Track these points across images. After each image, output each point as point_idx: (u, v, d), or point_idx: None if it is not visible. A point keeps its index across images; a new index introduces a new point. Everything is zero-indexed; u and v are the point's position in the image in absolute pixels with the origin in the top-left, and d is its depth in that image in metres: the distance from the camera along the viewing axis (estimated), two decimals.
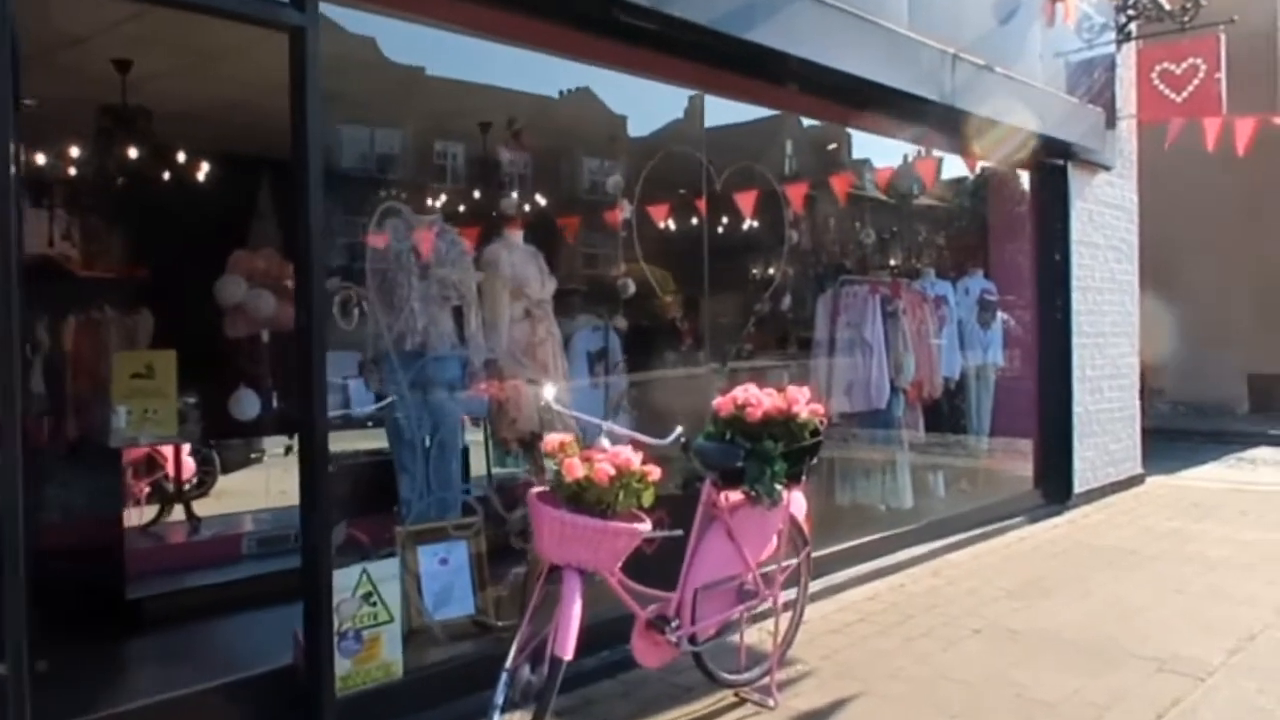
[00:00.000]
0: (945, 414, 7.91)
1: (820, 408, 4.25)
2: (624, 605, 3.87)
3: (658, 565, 4.02)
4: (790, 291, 6.98)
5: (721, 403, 4.26)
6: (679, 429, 3.91)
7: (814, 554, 5.83)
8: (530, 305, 4.87)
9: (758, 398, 4.19)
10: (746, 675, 4.38)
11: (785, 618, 4.61)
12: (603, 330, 7.13)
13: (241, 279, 5.85)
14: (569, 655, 3.28)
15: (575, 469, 3.38)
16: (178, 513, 6.75)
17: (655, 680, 4.38)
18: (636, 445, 3.66)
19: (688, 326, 6.43)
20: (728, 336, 6.57)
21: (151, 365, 5.65)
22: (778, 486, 4.11)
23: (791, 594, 4.63)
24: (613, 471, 3.40)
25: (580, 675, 4.46)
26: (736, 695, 4.36)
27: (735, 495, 4.15)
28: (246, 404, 5.96)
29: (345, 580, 3.81)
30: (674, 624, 3.93)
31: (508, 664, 3.49)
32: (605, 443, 3.62)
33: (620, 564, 3.53)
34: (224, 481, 7.66)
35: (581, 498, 3.43)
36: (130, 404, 5.53)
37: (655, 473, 3.53)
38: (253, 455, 8.09)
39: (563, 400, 4.78)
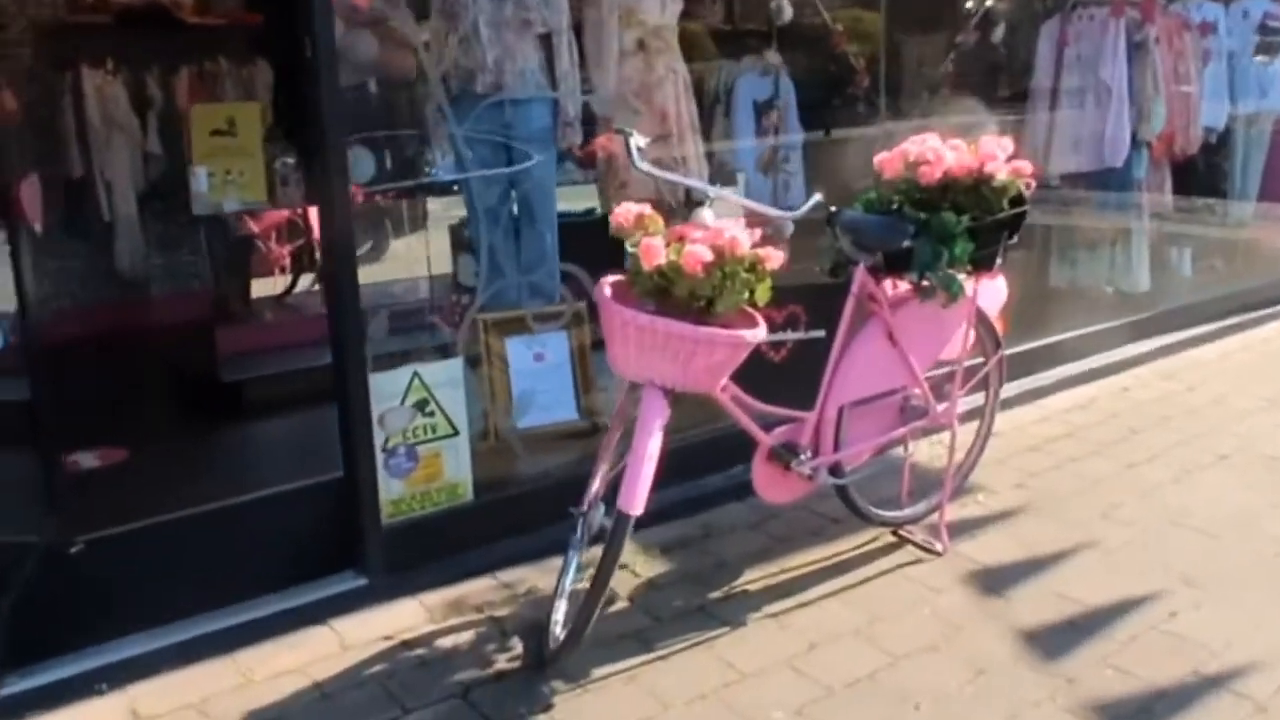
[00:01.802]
0: (1200, 174, 6.29)
1: (1026, 166, 3.04)
2: (741, 428, 2.96)
3: (793, 376, 3.06)
4: (1004, 20, 5.48)
5: (887, 160, 3.12)
6: (816, 196, 2.83)
7: (1015, 349, 4.75)
8: (645, 34, 3.75)
9: (937, 152, 3.02)
10: (909, 510, 3.44)
11: (965, 437, 3.60)
12: (773, 76, 5.97)
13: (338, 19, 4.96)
14: (635, 510, 2.43)
15: (655, 253, 2.41)
16: None
17: (795, 507, 3.49)
18: (754, 219, 2.63)
19: (863, 66, 5.11)
20: (919, 82, 5.23)
21: (234, 120, 4.94)
22: (959, 275, 3.00)
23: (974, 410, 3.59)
24: (709, 257, 2.41)
25: (703, 497, 3.66)
26: (896, 535, 3.44)
27: (899, 285, 3.09)
28: (359, 164, 5.20)
29: (390, 385, 3.05)
30: (804, 454, 2.99)
31: (580, 504, 2.68)
32: (707, 216, 2.61)
33: (724, 380, 2.59)
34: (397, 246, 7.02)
35: (667, 293, 2.47)
36: (211, 165, 4.88)
37: (775, 258, 2.51)
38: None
39: (684, 159, 3.75)
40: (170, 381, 5.25)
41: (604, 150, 3.80)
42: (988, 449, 3.83)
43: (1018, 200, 3.07)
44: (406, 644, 2.81)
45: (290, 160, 5.25)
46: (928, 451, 3.85)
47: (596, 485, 2.65)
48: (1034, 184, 3.09)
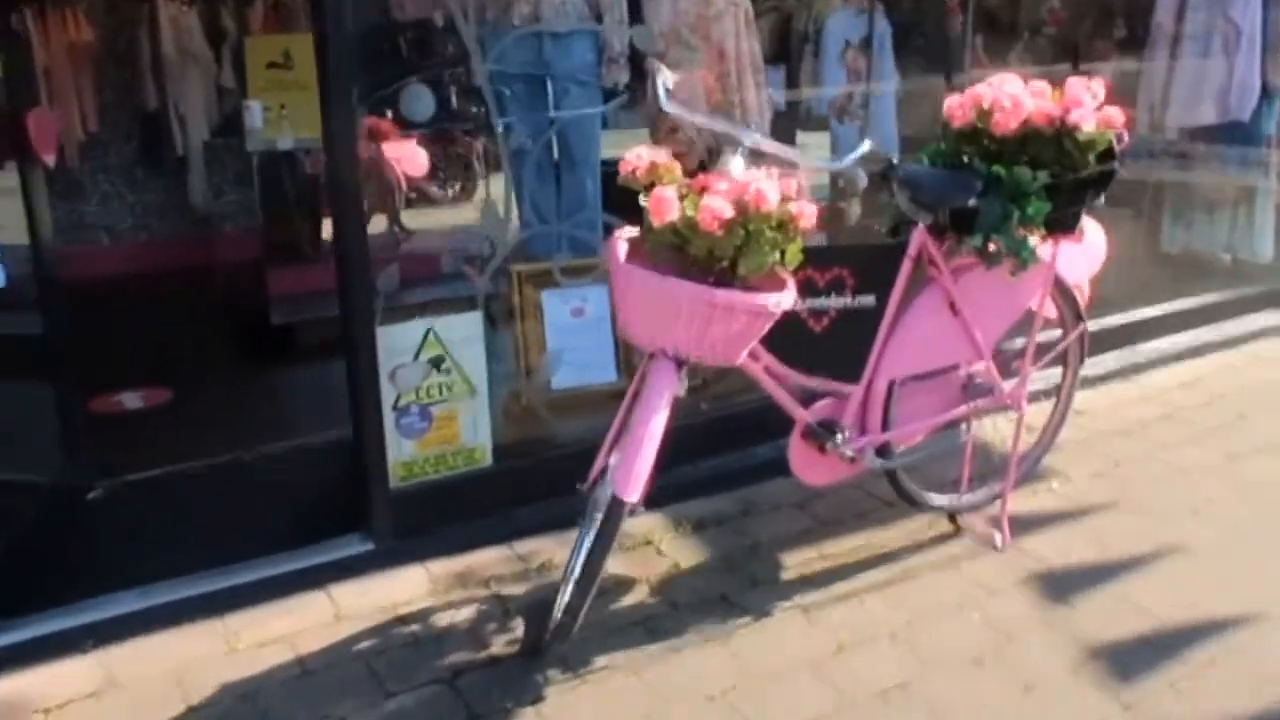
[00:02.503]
0: None
1: (1118, 115, 2.64)
2: (775, 401, 2.68)
3: (842, 346, 2.76)
4: None
5: (956, 106, 2.76)
6: (866, 144, 2.50)
7: (1115, 319, 4.35)
8: None
9: (1014, 98, 2.65)
10: (969, 497, 3.12)
11: (1040, 418, 3.26)
12: (867, 15, 5.55)
13: None
14: (630, 495, 2.17)
15: (667, 206, 2.13)
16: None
17: (846, 486, 3.19)
18: (788, 169, 2.32)
19: (956, 2, 4.65)
20: (1020, 20, 4.75)
21: (289, 52, 4.78)
22: (1030, 240, 2.64)
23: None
24: (729, 212, 2.12)
25: (747, 470, 3.40)
26: (953, 524, 3.13)
27: (963, 248, 2.74)
28: (418, 102, 5.00)
29: (402, 339, 2.85)
30: (844, 434, 2.70)
31: (586, 480, 2.44)
32: (735, 165, 2.31)
33: (746, 351, 2.30)
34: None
35: (684, 252, 2.20)
36: (266, 99, 4.74)
37: (807, 214, 2.21)
38: None
39: (743, 103, 3.44)
40: (224, 321, 5.21)
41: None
42: (1069, 431, 3.48)
43: (1107, 155, 2.68)
44: (403, 618, 2.63)
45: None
46: (1000, 430, 3.51)
47: (605, 458, 2.40)
48: (1127, 136, 2.68)
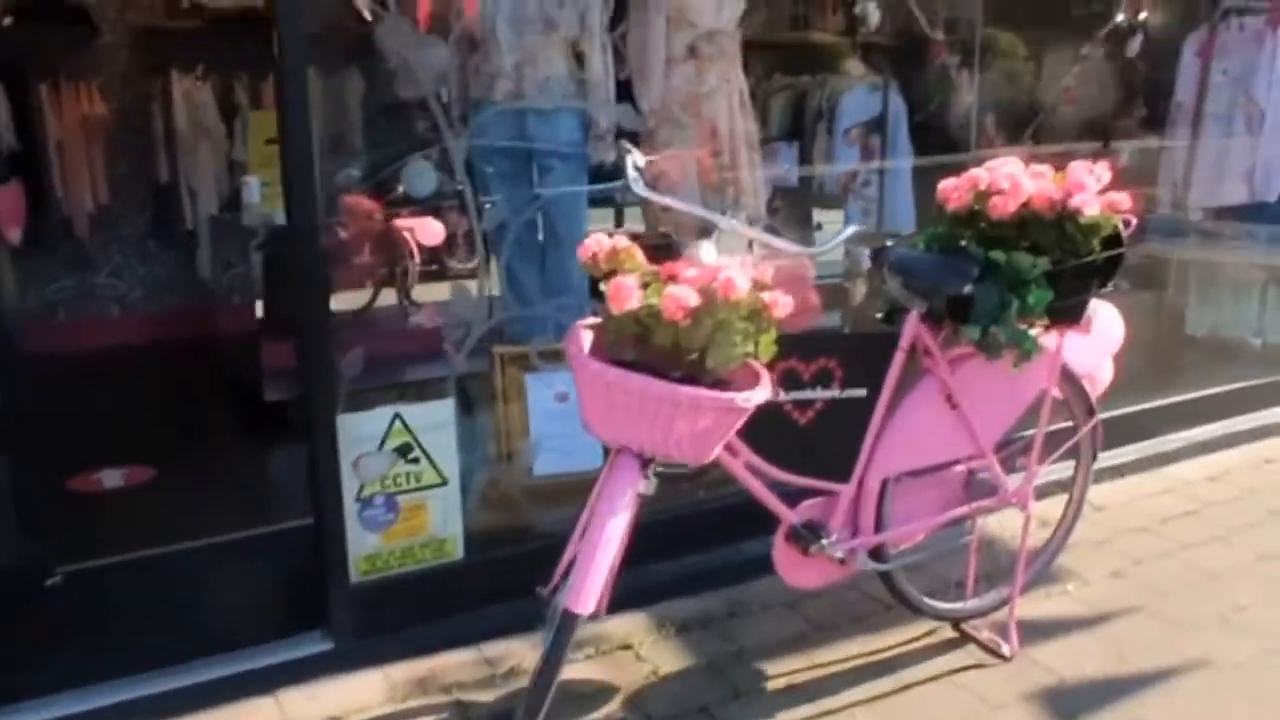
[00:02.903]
0: None
1: (1124, 200, 2.49)
2: (757, 500, 2.51)
3: (830, 441, 2.58)
4: (1141, 30, 4.82)
5: (952, 188, 2.62)
6: (852, 227, 2.35)
7: (1137, 406, 4.14)
8: (697, 38, 3.31)
9: (1013, 179, 2.50)
10: (975, 603, 2.91)
11: (1052, 515, 3.07)
12: (881, 92, 5.48)
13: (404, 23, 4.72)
14: (582, 609, 1.99)
15: (626, 294, 1.99)
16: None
17: (841, 587, 2.98)
18: (766, 257, 2.18)
19: (965, 80, 4.53)
20: (1033, 99, 4.63)
21: None
22: (1030, 332, 2.48)
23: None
24: (694, 301, 1.97)
25: (737, 566, 3.20)
26: (958, 630, 2.91)
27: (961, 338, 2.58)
28: (419, 178, 4.94)
29: (366, 426, 2.71)
30: (831, 536, 2.51)
31: (547, 584, 2.27)
32: (706, 252, 2.17)
33: (717, 449, 2.14)
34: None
35: (647, 342, 2.05)
36: (264, 174, 4.70)
37: (781, 304, 2.06)
38: None
39: (736, 182, 3.32)
40: (220, 396, 5.11)
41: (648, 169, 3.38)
42: (1086, 528, 3.27)
43: (1113, 241, 2.52)
44: None
45: (356, 172, 5.04)
46: (1012, 527, 3.30)
47: (568, 560, 2.23)
48: (1134, 221, 2.52)
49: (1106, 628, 2.95)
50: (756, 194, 3.45)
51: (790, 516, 2.53)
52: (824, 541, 2.47)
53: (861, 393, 2.54)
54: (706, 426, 2.03)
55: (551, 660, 1.99)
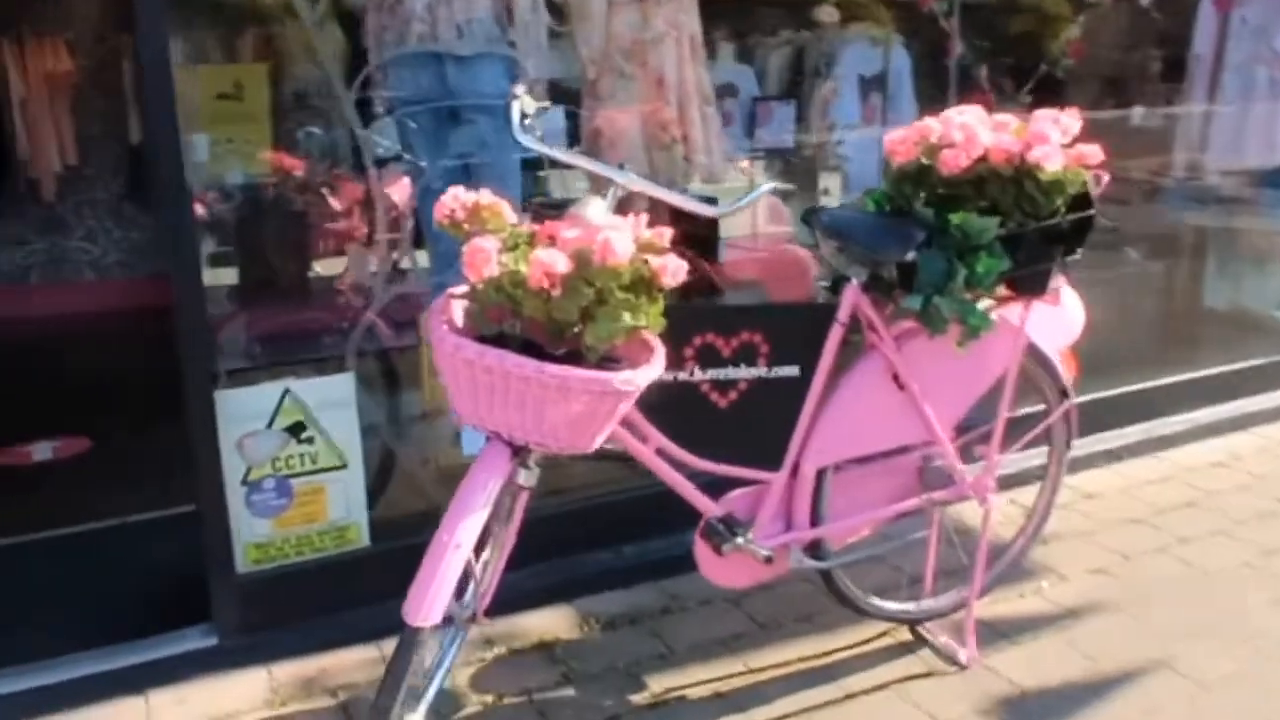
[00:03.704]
0: None
1: (1094, 153, 2.18)
2: (674, 491, 2.24)
3: (759, 426, 2.30)
4: None
5: (898, 141, 2.31)
6: (766, 185, 2.05)
7: (1141, 385, 3.83)
8: None
9: (968, 130, 2.19)
10: (928, 604, 2.63)
11: (1017, 510, 2.79)
12: (882, 47, 5.17)
13: None
14: (421, 621, 1.73)
15: (482, 258, 1.72)
16: None
17: (798, 580, 2.70)
18: (661, 216, 1.90)
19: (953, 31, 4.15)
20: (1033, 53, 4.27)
21: (240, 82, 4.50)
22: (978, 305, 2.18)
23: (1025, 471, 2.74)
24: (563, 267, 1.70)
25: (676, 558, 2.87)
26: (914, 634, 2.64)
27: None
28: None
29: (251, 403, 2.47)
30: (746, 534, 2.23)
31: None
32: (594, 208, 1.89)
33: (601, 437, 1.86)
34: None
35: (521, 314, 1.79)
36: (213, 132, 4.44)
37: (672, 270, 1.78)
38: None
39: (686, 139, 3.03)
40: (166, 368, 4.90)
41: (591, 127, 3.10)
42: (1072, 518, 3.01)
43: (1080, 201, 2.21)
44: None
45: (317, 130, 4.79)
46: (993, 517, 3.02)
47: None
48: (1106, 179, 2.21)
49: (1079, 631, 2.66)
50: (710, 152, 3.15)
51: (712, 509, 2.26)
52: (739, 540, 2.20)
53: (793, 371, 2.26)
54: (582, 410, 1.76)
55: (392, 680, 1.74)
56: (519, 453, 1.86)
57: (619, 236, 1.74)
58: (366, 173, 2.74)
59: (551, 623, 2.68)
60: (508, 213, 1.81)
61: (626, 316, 1.77)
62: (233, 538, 2.47)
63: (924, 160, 2.25)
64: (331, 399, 2.54)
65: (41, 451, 3.86)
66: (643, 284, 1.77)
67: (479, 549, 2.12)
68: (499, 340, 1.79)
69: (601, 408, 1.78)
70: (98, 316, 5.68)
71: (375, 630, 2.57)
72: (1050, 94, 4.35)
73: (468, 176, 2.96)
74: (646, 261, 1.77)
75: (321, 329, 2.80)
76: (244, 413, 2.45)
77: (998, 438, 2.45)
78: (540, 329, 1.83)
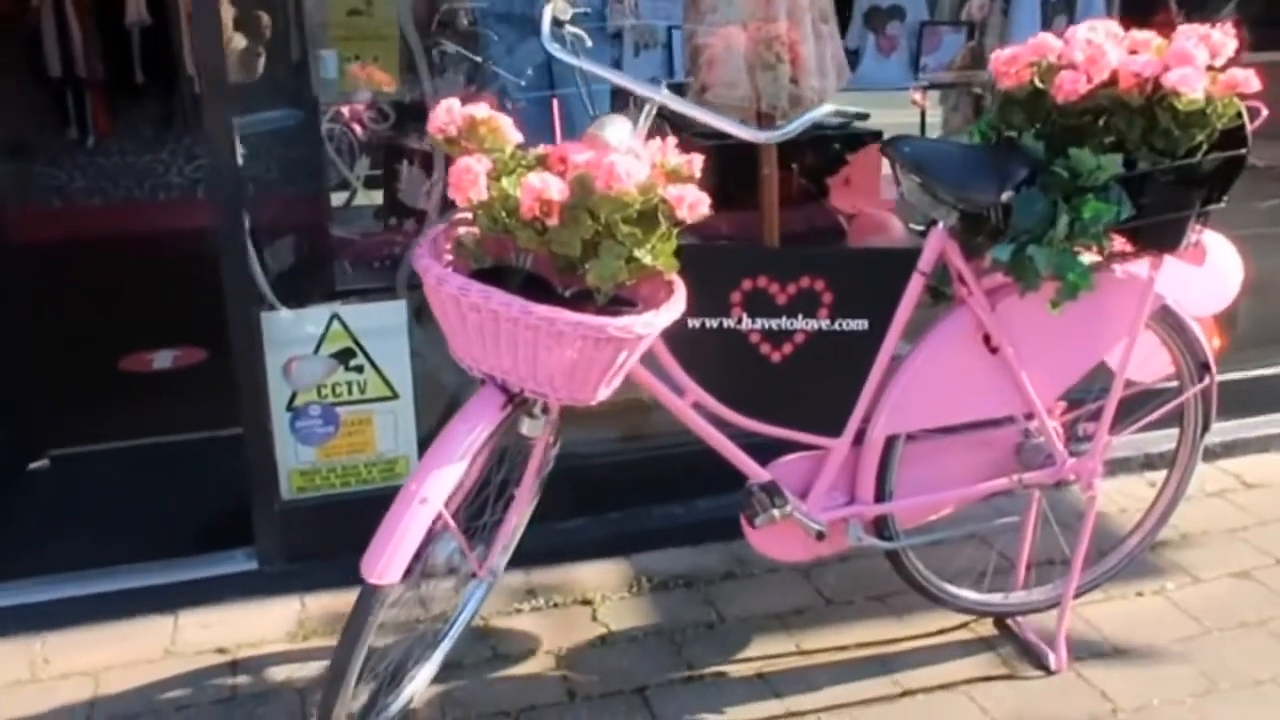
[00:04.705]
0: None
1: (1249, 79, 1.77)
2: (718, 453, 2.01)
3: (818, 384, 2.03)
4: None
5: (1007, 59, 1.95)
6: (827, 107, 1.75)
7: None
8: None
9: (1094, 49, 1.83)
10: (1018, 597, 2.31)
11: (1141, 495, 2.42)
12: None
13: None
14: (378, 578, 1.57)
15: (468, 180, 1.52)
16: None
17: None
18: (692, 139, 1.65)
19: None
20: None
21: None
22: (1082, 259, 1.83)
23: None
24: (557, 194, 1.49)
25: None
26: (1000, 628, 2.34)
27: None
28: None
29: (298, 327, 2.38)
30: (780, 506, 1.97)
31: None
32: (613, 129, 1.65)
33: (604, 387, 1.65)
34: None
35: (515, 245, 1.59)
36: (342, 48, 4.38)
37: (690, 201, 1.54)
38: None
39: (795, 61, 2.73)
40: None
41: (690, 44, 2.83)
42: (1223, 510, 2.65)
43: (1234, 136, 1.81)
44: (235, 664, 2.18)
45: (449, 48, 4.66)
46: (1118, 499, 2.67)
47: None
48: (1265, 112, 1.80)
49: (1203, 647, 2.29)
50: (824, 73, 2.82)
51: (760, 474, 2.02)
52: (774, 511, 1.95)
53: (861, 324, 1.97)
54: (576, 358, 1.55)
55: (347, 638, 1.60)
56: (517, 400, 1.67)
57: (628, 161, 1.50)
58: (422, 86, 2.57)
59: (602, 578, 2.52)
60: (509, 130, 1.60)
61: (635, 254, 1.55)
62: (278, 464, 2.40)
63: (1038, 84, 1.90)
64: (381, 325, 2.42)
65: (162, 360, 3.96)
66: (650, 216, 1.54)
67: (499, 500, 1.98)
68: (495, 275, 1.60)
69: (599, 355, 1.56)
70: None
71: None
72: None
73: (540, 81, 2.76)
74: (657, 190, 1.53)
75: (377, 255, 2.68)
76: (291, 336, 2.36)
77: (1108, 415, 2.09)
78: (549, 264, 1.63)
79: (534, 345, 1.55)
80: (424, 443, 2.53)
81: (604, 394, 1.66)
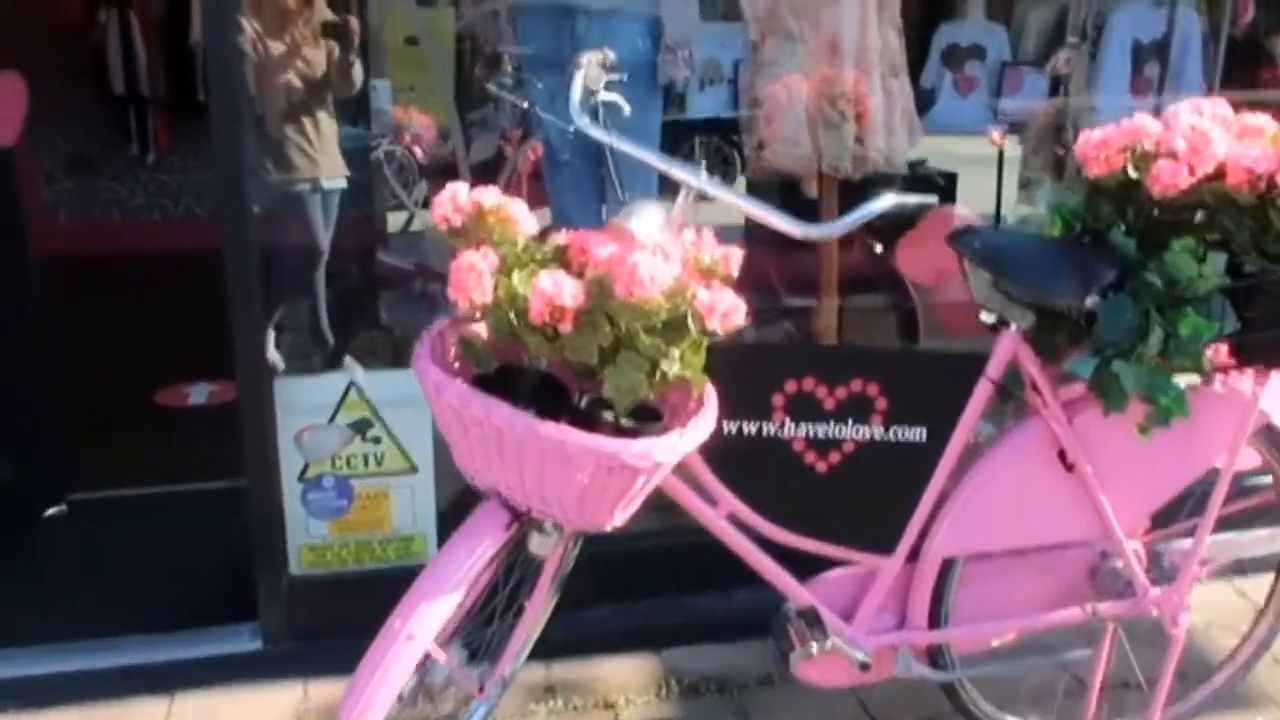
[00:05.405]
0: None
1: None
2: (753, 570, 1.82)
3: (867, 498, 1.82)
4: None
5: (1096, 144, 1.73)
6: (888, 199, 1.54)
7: None
8: None
9: (1198, 136, 1.60)
10: None
11: (1217, 615, 2.17)
12: (1166, 8, 4.40)
13: None
14: None
15: (470, 278, 1.34)
16: None
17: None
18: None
19: None
20: None
21: (430, 29, 4.30)
22: (1177, 381, 1.60)
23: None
24: (571, 299, 1.31)
25: None
26: None
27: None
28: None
29: (312, 394, 2.23)
30: (820, 638, 1.76)
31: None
32: (641, 220, 1.46)
33: (619, 513, 1.46)
34: None
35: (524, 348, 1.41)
36: (398, 79, 4.28)
37: (721, 309, 1.34)
38: None
39: (861, 117, 2.53)
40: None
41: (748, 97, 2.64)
42: None
43: None
44: None
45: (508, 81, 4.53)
46: (1203, 606, 2.40)
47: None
48: None
49: None
50: (893, 131, 2.61)
51: (801, 596, 1.81)
52: (813, 645, 1.74)
53: (919, 434, 1.76)
54: (584, 484, 1.37)
55: None
56: (525, 518, 1.49)
57: (652, 262, 1.32)
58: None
59: (628, 676, 2.33)
60: (523, 219, 1.42)
61: (662, 364, 1.36)
62: (287, 537, 2.26)
63: (1132, 173, 1.67)
64: (401, 395, 2.26)
65: (198, 394, 3.86)
66: (677, 324, 1.35)
67: (508, 609, 1.80)
68: (504, 378, 1.43)
69: (613, 482, 1.38)
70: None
71: None
72: None
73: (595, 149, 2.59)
74: (687, 295, 1.34)
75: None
76: (305, 404, 2.22)
77: (1200, 546, 1.85)
78: (564, 366, 1.45)
79: (541, 466, 1.37)
80: (443, 519, 2.40)
81: (621, 519, 1.47)
